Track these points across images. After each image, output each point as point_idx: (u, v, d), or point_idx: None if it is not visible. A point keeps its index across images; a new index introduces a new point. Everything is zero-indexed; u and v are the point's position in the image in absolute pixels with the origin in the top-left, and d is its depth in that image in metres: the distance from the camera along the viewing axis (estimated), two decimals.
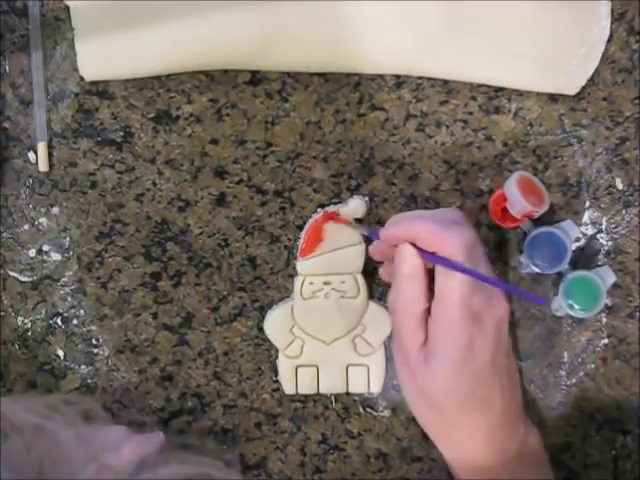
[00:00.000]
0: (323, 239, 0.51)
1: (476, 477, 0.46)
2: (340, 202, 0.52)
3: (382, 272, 0.50)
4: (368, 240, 0.51)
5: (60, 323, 0.53)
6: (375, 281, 0.52)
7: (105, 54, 0.51)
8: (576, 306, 0.49)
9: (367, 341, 0.52)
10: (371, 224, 0.52)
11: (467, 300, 0.43)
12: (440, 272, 0.43)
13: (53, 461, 0.38)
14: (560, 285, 0.49)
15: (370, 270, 0.52)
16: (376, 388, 0.52)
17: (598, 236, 0.52)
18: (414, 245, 0.44)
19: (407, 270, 0.44)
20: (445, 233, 0.43)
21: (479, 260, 0.44)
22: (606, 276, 0.50)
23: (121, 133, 0.53)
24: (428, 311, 0.44)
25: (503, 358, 0.45)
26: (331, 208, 0.52)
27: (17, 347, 0.54)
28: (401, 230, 0.45)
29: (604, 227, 0.52)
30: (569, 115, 0.52)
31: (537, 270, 0.49)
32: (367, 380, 0.52)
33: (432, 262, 0.44)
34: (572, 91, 0.51)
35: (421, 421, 0.47)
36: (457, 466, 0.47)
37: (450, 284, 0.43)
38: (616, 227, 0.52)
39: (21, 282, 0.53)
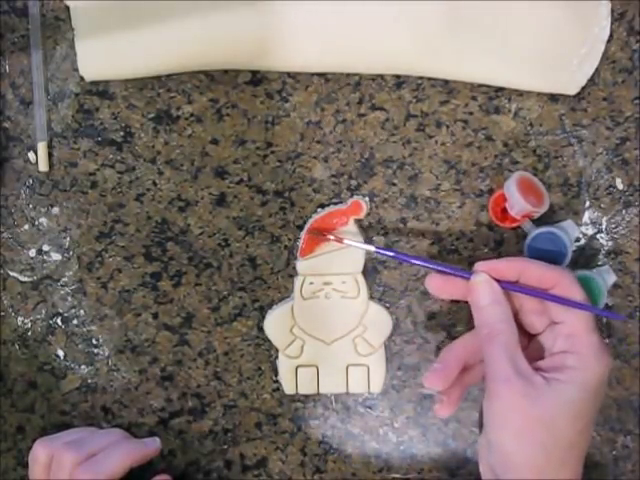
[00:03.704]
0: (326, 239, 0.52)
1: None
2: (340, 202, 0.52)
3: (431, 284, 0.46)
4: (370, 241, 0.51)
5: (60, 323, 0.53)
6: (375, 281, 0.52)
7: (105, 54, 0.51)
8: None
9: (367, 341, 0.52)
10: (371, 224, 0.52)
11: (597, 330, 0.42)
12: (555, 308, 0.42)
13: None
14: None
15: (370, 270, 0.52)
16: (376, 388, 0.52)
17: (598, 236, 0.52)
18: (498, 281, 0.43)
19: (489, 297, 0.42)
20: (558, 269, 0.42)
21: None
22: (607, 276, 0.50)
23: (121, 133, 0.53)
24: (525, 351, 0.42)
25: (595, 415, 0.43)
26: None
27: (17, 347, 0.54)
28: (508, 264, 0.43)
29: (604, 227, 0.52)
30: (569, 115, 0.52)
31: None
32: (367, 380, 0.52)
33: (512, 291, 0.42)
34: (572, 91, 0.51)
35: (515, 465, 0.41)
36: None
37: (577, 314, 0.41)
38: (616, 227, 0.52)
39: (21, 282, 0.53)
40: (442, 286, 0.45)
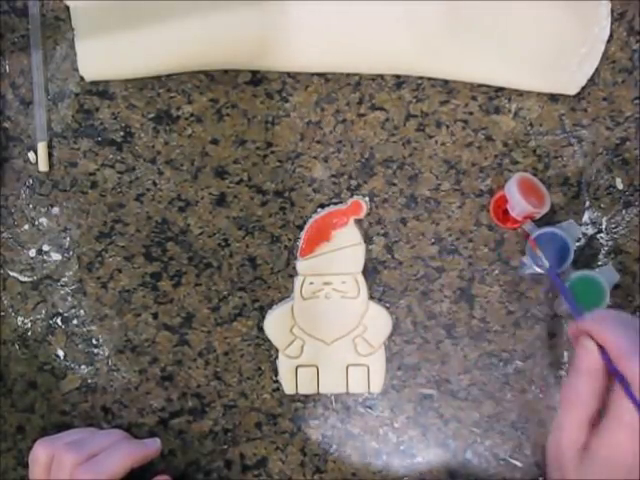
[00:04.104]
0: (330, 239, 0.51)
1: None
2: (340, 202, 0.52)
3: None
4: (369, 241, 0.51)
5: (60, 323, 0.53)
6: (375, 281, 0.52)
7: (105, 54, 0.51)
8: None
9: (367, 341, 0.52)
10: (371, 224, 0.52)
11: (637, 427, 0.40)
12: (618, 387, 0.41)
13: None
14: None
15: (370, 270, 0.52)
16: (376, 388, 0.52)
17: (598, 236, 0.52)
18: (601, 346, 0.42)
19: (587, 367, 0.42)
20: (631, 356, 0.40)
21: None
22: (609, 275, 0.50)
23: (121, 133, 0.53)
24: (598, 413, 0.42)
25: None
26: None
27: (17, 347, 0.54)
28: (598, 328, 0.42)
29: (604, 227, 0.52)
30: (569, 115, 0.52)
31: (540, 271, 0.49)
32: (367, 380, 0.52)
33: (610, 372, 0.42)
34: (572, 91, 0.51)
35: None
36: None
37: (626, 406, 0.40)
38: (616, 227, 0.52)
39: (21, 282, 0.53)
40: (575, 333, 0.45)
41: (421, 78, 0.52)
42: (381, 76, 0.52)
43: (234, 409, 0.53)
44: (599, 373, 0.42)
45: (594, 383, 0.42)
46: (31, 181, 0.53)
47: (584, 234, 0.52)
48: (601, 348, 0.42)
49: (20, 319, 0.53)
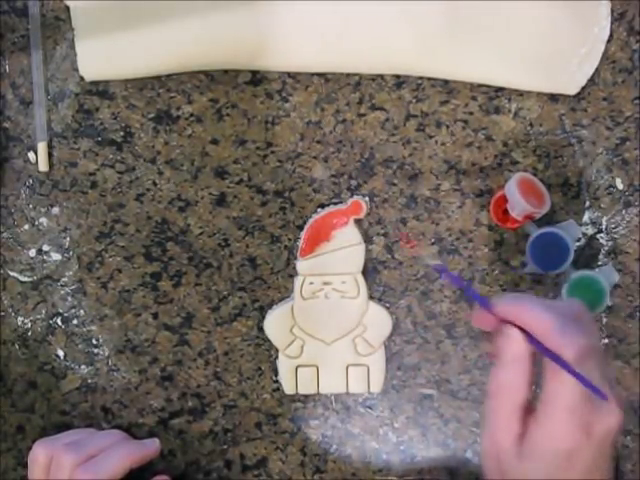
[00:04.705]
0: (330, 239, 0.51)
1: None
2: (340, 202, 0.52)
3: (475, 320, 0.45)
4: (369, 241, 0.51)
5: (60, 323, 0.53)
6: (375, 281, 0.52)
7: (105, 54, 0.51)
8: None
9: (367, 341, 0.52)
10: (371, 224, 0.52)
11: (577, 409, 0.39)
12: (550, 371, 0.40)
13: None
14: (564, 285, 0.50)
15: (370, 270, 0.52)
16: (376, 388, 0.52)
17: (598, 236, 0.52)
18: (523, 330, 0.40)
19: (513, 356, 0.40)
20: (559, 333, 0.39)
21: (592, 368, 0.39)
22: (609, 275, 0.50)
23: (121, 133, 0.53)
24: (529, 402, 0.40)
25: (601, 467, 0.40)
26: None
27: (17, 347, 0.54)
28: (514, 312, 0.41)
29: (604, 227, 0.52)
30: (569, 115, 0.52)
31: (540, 271, 0.50)
32: (367, 380, 0.52)
33: (541, 353, 0.40)
34: (572, 91, 0.51)
35: None
36: None
37: (560, 389, 0.39)
38: (616, 227, 0.52)
39: (21, 282, 0.53)
40: (482, 323, 0.43)
41: (421, 78, 0.52)
42: (381, 76, 0.52)
43: (234, 409, 0.53)
44: (526, 359, 0.40)
45: (523, 370, 0.40)
46: (31, 181, 0.53)
47: (584, 234, 0.52)
48: (523, 332, 0.40)
49: (20, 319, 0.53)
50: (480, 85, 0.52)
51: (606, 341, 0.52)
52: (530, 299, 0.41)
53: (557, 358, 0.39)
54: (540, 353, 0.40)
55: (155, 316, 0.53)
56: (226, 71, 0.52)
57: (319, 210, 0.52)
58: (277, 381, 0.53)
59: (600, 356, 0.40)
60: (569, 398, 0.39)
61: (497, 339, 0.41)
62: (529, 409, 0.40)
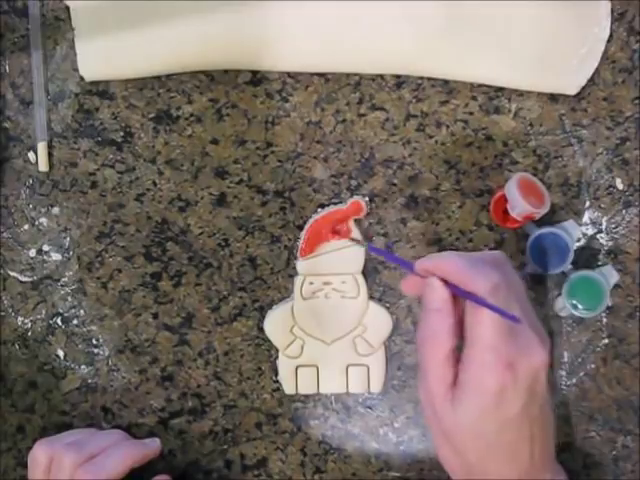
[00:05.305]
0: (330, 239, 0.51)
1: None
2: (340, 202, 0.52)
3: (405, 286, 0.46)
4: (369, 241, 0.51)
5: (60, 323, 0.53)
6: (375, 281, 0.52)
7: (105, 54, 0.51)
8: (580, 306, 0.49)
9: (367, 341, 0.52)
10: (371, 224, 0.52)
11: (499, 347, 0.40)
12: (470, 314, 0.41)
13: None
14: (564, 285, 0.50)
15: (370, 270, 0.52)
16: (376, 388, 0.52)
17: (598, 236, 0.52)
18: (445, 281, 0.42)
19: (435, 304, 0.42)
20: (472, 272, 0.41)
21: (509, 302, 0.41)
22: (609, 275, 0.50)
23: (121, 133, 0.53)
24: (459, 349, 0.42)
25: (536, 408, 0.42)
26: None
27: (17, 347, 0.54)
28: (432, 264, 0.43)
29: (604, 227, 0.52)
30: (569, 115, 0.52)
31: (540, 271, 0.50)
32: (367, 380, 0.52)
33: (462, 297, 0.42)
34: (572, 91, 0.51)
35: (445, 464, 0.44)
36: None
37: (480, 329, 0.40)
38: (616, 227, 0.52)
39: (21, 282, 0.53)
40: (411, 287, 0.45)
41: (421, 78, 0.52)
42: (381, 76, 0.52)
43: (234, 409, 0.53)
44: (449, 307, 0.42)
45: (447, 318, 0.41)
46: (31, 181, 0.53)
47: (584, 234, 0.52)
48: (444, 282, 0.42)
49: (20, 319, 0.53)
50: (480, 85, 0.52)
51: (606, 341, 0.52)
52: (447, 253, 0.44)
53: (471, 295, 0.40)
54: (462, 298, 0.41)
55: (155, 316, 0.53)
56: (226, 71, 0.52)
57: (319, 210, 0.52)
58: (277, 381, 0.53)
59: (521, 295, 0.42)
60: (489, 337, 0.40)
61: (423, 292, 0.43)
62: (460, 356, 0.42)
